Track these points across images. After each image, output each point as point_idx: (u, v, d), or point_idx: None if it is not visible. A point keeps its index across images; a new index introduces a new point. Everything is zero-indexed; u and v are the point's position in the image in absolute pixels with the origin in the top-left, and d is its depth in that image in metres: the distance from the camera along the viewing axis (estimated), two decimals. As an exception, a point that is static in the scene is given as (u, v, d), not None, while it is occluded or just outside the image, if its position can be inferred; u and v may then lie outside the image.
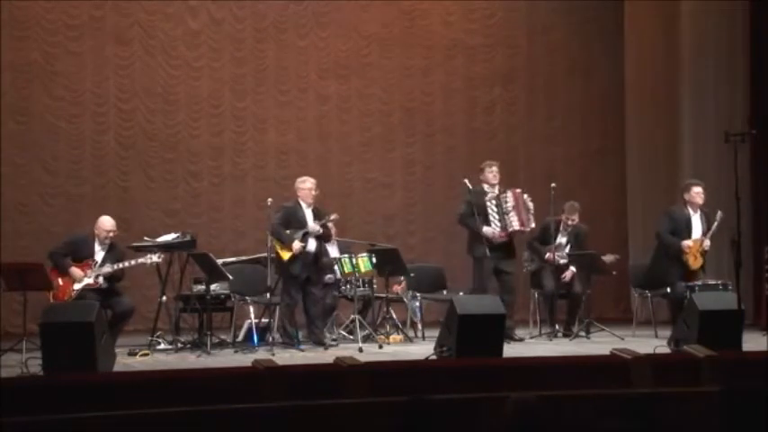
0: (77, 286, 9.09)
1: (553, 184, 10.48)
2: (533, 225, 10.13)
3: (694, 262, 9.95)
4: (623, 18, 13.13)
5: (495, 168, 10.15)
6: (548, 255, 10.46)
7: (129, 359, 8.84)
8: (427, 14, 13.25)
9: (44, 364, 7.38)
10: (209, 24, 12.58)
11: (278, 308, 9.97)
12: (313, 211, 9.90)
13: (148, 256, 9.36)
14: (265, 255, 9.79)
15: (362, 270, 10.11)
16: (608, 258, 10.73)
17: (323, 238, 9.88)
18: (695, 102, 12.40)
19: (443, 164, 13.20)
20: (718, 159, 11.42)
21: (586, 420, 5.17)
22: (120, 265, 9.21)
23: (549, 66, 13.51)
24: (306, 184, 9.94)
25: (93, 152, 12.04)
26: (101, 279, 9.12)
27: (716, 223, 9.84)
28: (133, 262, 9.30)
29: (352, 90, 13.06)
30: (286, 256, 9.84)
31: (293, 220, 9.78)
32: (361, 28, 13.07)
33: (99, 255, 9.24)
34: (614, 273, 10.91)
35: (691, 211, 10.02)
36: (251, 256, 10.66)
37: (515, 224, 9.89)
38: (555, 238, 10.55)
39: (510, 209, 9.90)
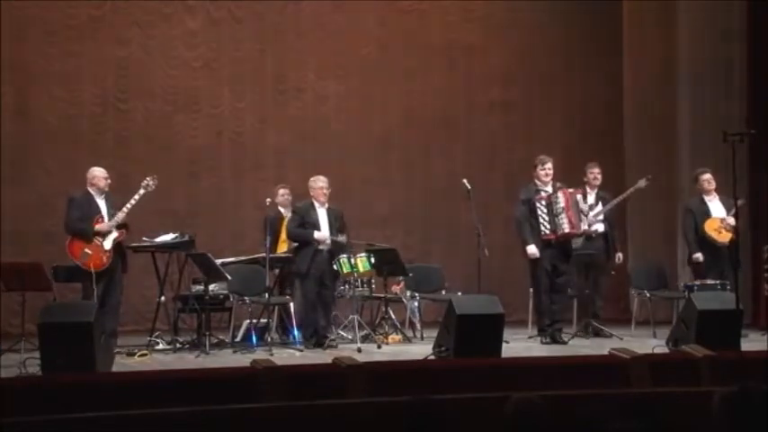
0: (107, 246, 9.08)
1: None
2: (586, 227, 10.04)
3: (719, 236, 9.97)
4: (622, 18, 13.13)
5: (548, 165, 9.87)
6: (591, 221, 10.21)
7: (127, 359, 8.82)
8: (426, 14, 13.25)
9: (42, 365, 7.38)
10: (207, 24, 12.59)
11: (287, 307, 10.04)
12: (327, 211, 9.88)
13: (144, 183, 9.36)
14: (264, 255, 9.80)
15: (361, 270, 10.11)
16: (642, 183, 10.76)
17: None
18: (693, 102, 12.39)
19: (442, 164, 13.19)
20: (717, 160, 11.41)
21: (586, 420, 5.17)
22: (128, 207, 9.21)
23: (548, 66, 13.51)
24: (318, 183, 9.93)
25: (91, 152, 12.02)
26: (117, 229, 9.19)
27: (739, 202, 9.83)
28: (137, 197, 9.30)
29: (351, 90, 13.06)
30: (283, 248, 9.92)
31: (307, 222, 9.78)
32: (360, 28, 13.07)
33: (103, 208, 9.26)
34: (613, 273, 10.92)
35: (706, 199, 10.12)
36: (250, 257, 10.66)
37: (566, 227, 9.69)
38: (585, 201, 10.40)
39: (561, 210, 9.70)
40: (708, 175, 10.20)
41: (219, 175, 12.58)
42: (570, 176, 10.74)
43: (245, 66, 12.71)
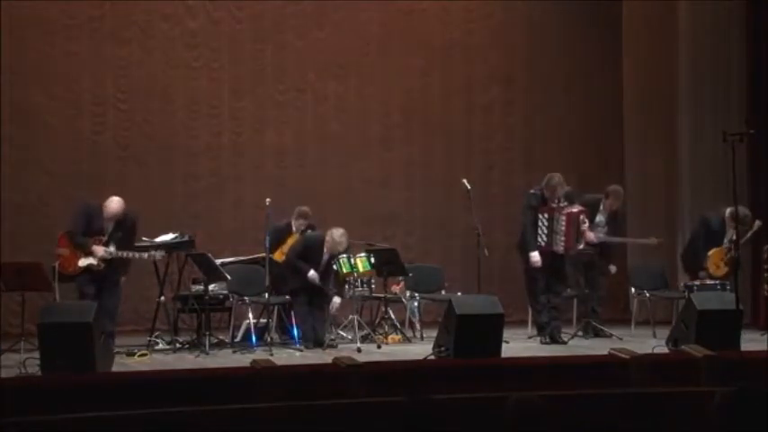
0: (82, 263, 9.12)
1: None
2: (581, 246, 10.02)
3: (716, 270, 10.05)
4: (622, 18, 13.12)
5: (557, 191, 9.76)
6: (589, 235, 10.22)
7: (127, 359, 8.81)
8: (426, 14, 13.24)
9: (42, 365, 7.37)
10: (207, 24, 12.57)
11: (277, 308, 10.01)
12: (329, 259, 9.85)
13: (152, 253, 9.40)
14: (263, 255, 9.80)
15: (361, 270, 10.12)
16: (653, 241, 10.87)
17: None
18: (693, 102, 12.39)
19: (442, 164, 13.18)
20: (716, 159, 11.43)
21: (586, 420, 5.17)
22: (127, 254, 9.21)
23: (548, 66, 13.50)
24: (340, 243, 9.75)
25: (91, 152, 12.04)
26: (102, 261, 9.17)
27: (750, 233, 9.83)
28: (136, 255, 9.31)
29: (351, 90, 13.06)
30: (280, 257, 9.99)
31: (309, 255, 9.78)
32: (360, 28, 13.06)
33: (109, 228, 9.26)
34: (612, 273, 10.91)
35: (728, 226, 10.14)
36: (249, 257, 10.66)
37: (560, 247, 9.74)
38: (595, 217, 10.44)
39: (560, 230, 9.74)
40: (727, 214, 10.09)
41: (219, 175, 12.57)
42: (569, 176, 10.74)
43: (245, 66, 12.71)
